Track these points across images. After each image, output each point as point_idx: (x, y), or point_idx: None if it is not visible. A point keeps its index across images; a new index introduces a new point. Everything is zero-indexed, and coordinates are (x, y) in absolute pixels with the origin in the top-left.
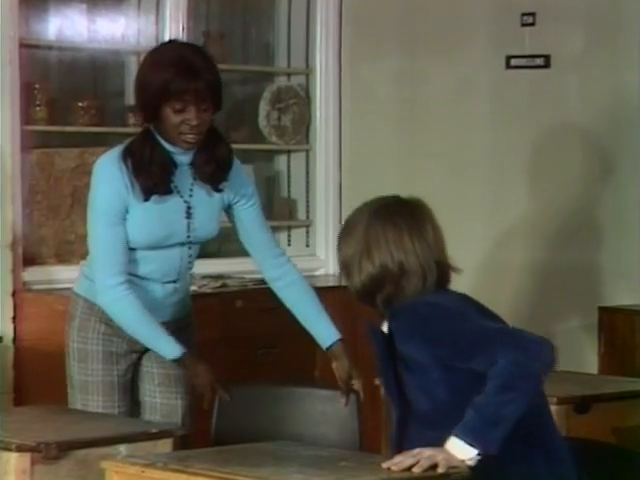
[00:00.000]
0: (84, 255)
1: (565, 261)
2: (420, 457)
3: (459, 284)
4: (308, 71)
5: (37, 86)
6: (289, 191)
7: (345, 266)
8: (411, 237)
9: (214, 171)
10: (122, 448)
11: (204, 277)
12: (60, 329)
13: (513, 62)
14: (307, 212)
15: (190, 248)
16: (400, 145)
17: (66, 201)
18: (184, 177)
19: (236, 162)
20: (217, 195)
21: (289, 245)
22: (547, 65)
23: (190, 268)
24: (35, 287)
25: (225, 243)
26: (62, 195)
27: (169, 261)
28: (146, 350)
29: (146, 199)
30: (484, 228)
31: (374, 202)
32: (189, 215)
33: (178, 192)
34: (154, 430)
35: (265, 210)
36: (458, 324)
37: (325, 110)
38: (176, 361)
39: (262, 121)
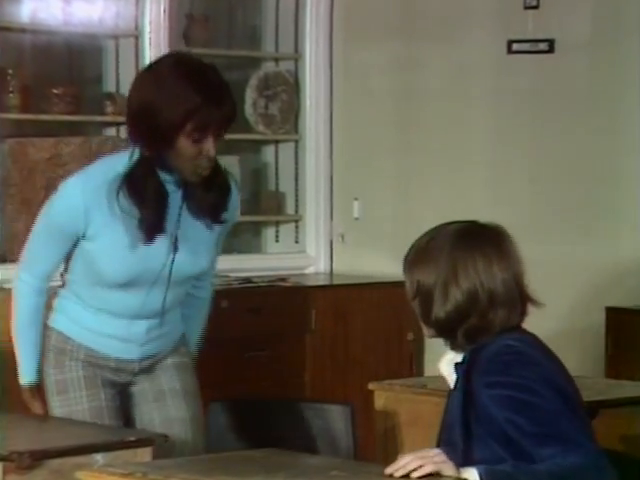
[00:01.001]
0: None
1: (570, 258)
2: (426, 462)
3: None
4: (297, 56)
5: (10, 72)
6: (277, 184)
7: (423, 294)
8: (499, 266)
9: (216, 201)
10: (99, 457)
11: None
12: None
13: (515, 47)
14: (296, 206)
15: (176, 286)
16: (395, 136)
17: (40, 194)
18: (172, 206)
19: (233, 183)
20: (210, 226)
21: (277, 241)
22: (551, 50)
23: (179, 302)
24: (8, 286)
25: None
26: (35, 188)
27: (150, 299)
28: (135, 374)
29: (151, 239)
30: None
31: (452, 227)
32: (175, 248)
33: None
34: (132, 438)
35: (252, 204)
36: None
37: (315, 98)
38: (23, 386)
39: (248, 109)
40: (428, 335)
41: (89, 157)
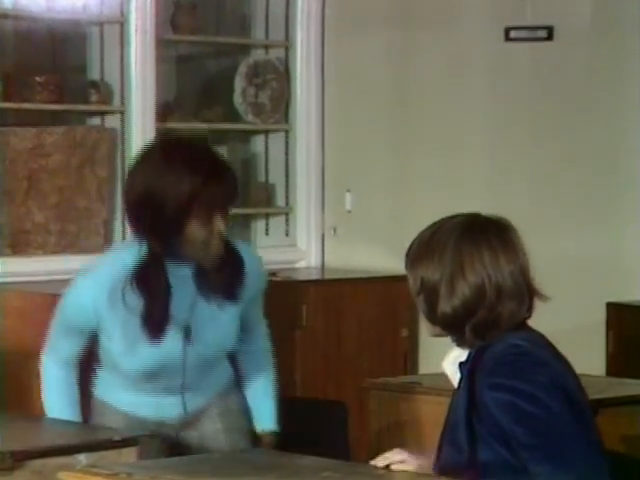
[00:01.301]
0: (42, 245)
1: (570, 252)
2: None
3: None
4: (288, 44)
5: None
6: (267, 175)
7: (427, 290)
8: (506, 258)
9: (230, 280)
10: (82, 457)
11: None
12: (17, 327)
13: (513, 34)
14: (286, 198)
15: (205, 366)
16: (389, 126)
17: (22, 185)
18: (183, 296)
19: (245, 249)
20: (229, 305)
21: (267, 234)
22: (550, 37)
23: (218, 365)
24: None
25: None
26: (18, 178)
27: (181, 381)
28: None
29: (157, 337)
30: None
31: (455, 220)
32: (187, 337)
33: (173, 319)
34: (117, 438)
35: (240, 196)
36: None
37: (306, 87)
38: None
39: (237, 98)
40: (432, 334)
41: (73, 147)
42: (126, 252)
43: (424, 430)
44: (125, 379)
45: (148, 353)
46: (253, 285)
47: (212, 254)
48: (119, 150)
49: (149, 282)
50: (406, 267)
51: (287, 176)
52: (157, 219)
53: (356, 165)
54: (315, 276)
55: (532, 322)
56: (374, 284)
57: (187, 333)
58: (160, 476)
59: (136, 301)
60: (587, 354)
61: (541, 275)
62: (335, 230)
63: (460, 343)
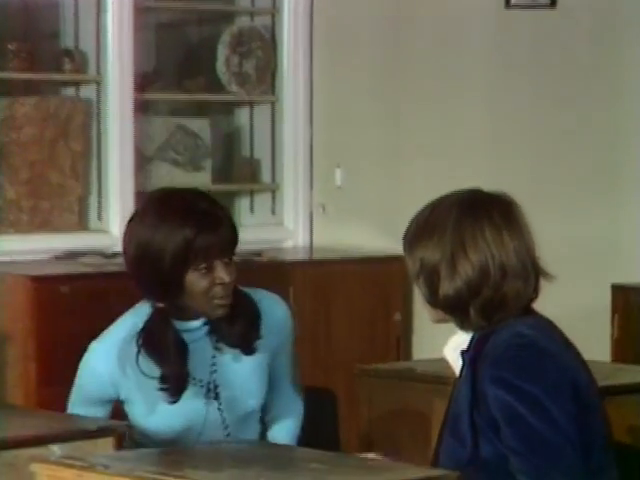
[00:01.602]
0: (13, 223)
1: (573, 232)
2: None
3: None
4: (274, 10)
5: None
6: (252, 149)
7: (427, 272)
8: (510, 236)
9: (244, 331)
10: (56, 448)
11: None
12: None
13: (514, 1)
14: (272, 174)
15: (233, 427)
16: (382, 97)
17: None
18: (200, 354)
19: (268, 298)
20: (255, 359)
21: (251, 212)
22: (553, 5)
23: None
24: None
25: None
26: None
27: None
28: None
29: (176, 398)
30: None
31: (455, 196)
32: (215, 397)
33: (192, 379)
34: (93, 427)
35: (224, 172)
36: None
37: (294, 56)
38: None
39: (220, 68)
40: (435, 320)
41: (46, 119)
42: (137, 314)
43: (418, 419)
44: (150, 444)
45: (170, 414)
46: (277, 336)
47: (218, 304)
48: (94, 123)
49: (156, 341)
50: (404, 250)
51: (273, 150)
52: (155, 274)
53: (346, 139)
54: (303, 256)
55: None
56: (365, 265)
57: (209, 391)
58: (138, 469)
59: (148, 363)
60: (591, 339)
61: (542, 255)
62: (324, 208)
63: (464, 326)
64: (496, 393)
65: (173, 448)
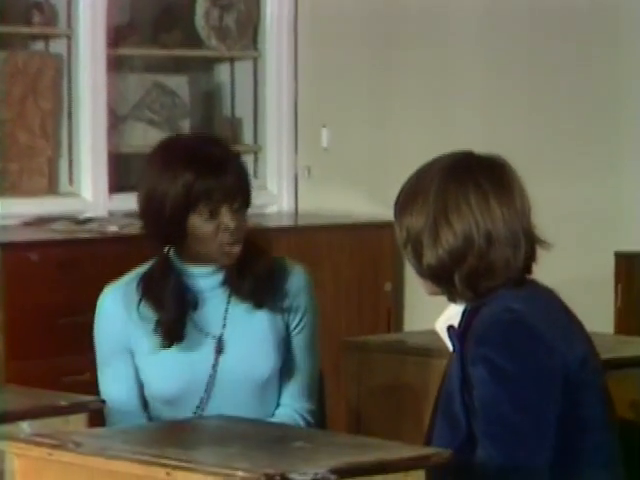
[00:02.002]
0: None
1: (573, 197)
2: None
3: None
4: None
5: None
6: (233, 108)
7: (413, 240)
8: (498, 201)
9: (254, 286)
10: (25, 425)
11: (127, 215)
12: None
13: None
14: (255, 135)
15: (235, 398)
16: (371, 52)
17: None
18: (213, 304)
19: (292, 268)
20: (269, 319)
21: None
22: None
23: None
24: None
25: None
26: None
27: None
28: None
29: (167, 346)
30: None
31: (443, 160)
32: (219, 349)
33: (200, 330)
34: (64, 403)
35: (203, 132)
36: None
37: (278, 8)
38: None
39: (199, 21)
40: (429, 292)
41: (14, 75)
42: (144, 268)
43: (409, 395)
44: (156, 399)
45: (176, 364)
46: (294, 299)
47: (224, 252)
48: (65, 79)
49: (154, 286)
50: (394, 217)
51: (255, 110)
52: (158, 218)
53: (334, 97)
54: (287, 222)
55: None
56: (354, 232)
57: (219, 344)
58: (111, 447)
59: (147, 312)
60: (593, 310)
61: (540, 223)
62: (310, 170)
63: (453, 297)
64: (478, 373)
65: (151, 424)
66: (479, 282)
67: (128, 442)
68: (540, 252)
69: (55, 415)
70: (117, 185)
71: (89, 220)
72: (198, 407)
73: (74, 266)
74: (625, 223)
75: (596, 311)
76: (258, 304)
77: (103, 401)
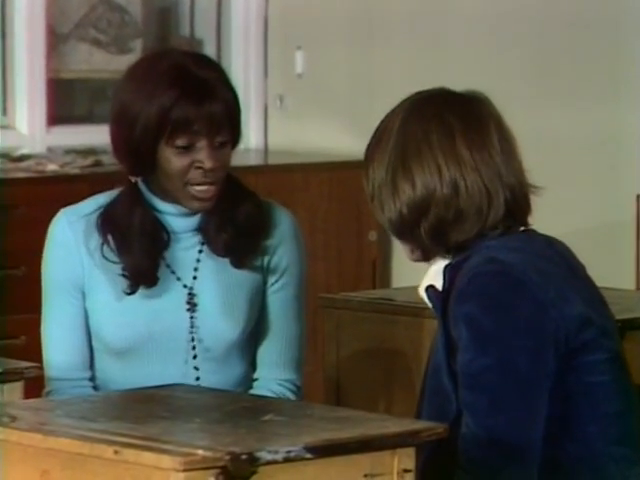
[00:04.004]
0: None
1: (587, 130)
2: None
3: None
4: None
5: None
6: (192, 27)
7: (375, 194)
8: (466, 141)
9: (232, 242)
10: None
11: (68, 152)
12: None
13: None
14: (218, 57)
15: (198, 359)
16: None
17: None
18: (184, 249)
19: (277, 214)
20: (244, 272)
21: None
22: None
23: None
24: None
25: (99, 102)
26: None
27: (158, 380)
28: None
29: (132, 292)
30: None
31: (414, 95)
32: (192, 307)
33: (173, 273)
34: None
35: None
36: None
37: None
38: None
39: None
40: (411, 257)
41: None
42: (113, 194)
43: (398, 361)
44: (107, 351)
45: (138, 314)
46: (275, 251)
47: (193, 195)
48: None
49: (118, 221)
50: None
51: (219, 29)
52: (127, 141)
53: (308, 15)
54: (255, 161)
55: (546, 219)
56: (333, 171)
57: (191, 298)
58: (52, 422)
59: (110, 251)
60: (612, 261)
61: (549, 161)
62: (282, 100)
63: (425, 256)
64: (459, 334)
65: (99, 395)
66: (448, 236)
67: (71, 416)
68: (548, 197)
69: None
70: (57, 117)
71: (25, 157)
72: (165, 366)
73: (9, 208)
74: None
75: (615, 263)
76: (235, 264)
77: (40, 367)
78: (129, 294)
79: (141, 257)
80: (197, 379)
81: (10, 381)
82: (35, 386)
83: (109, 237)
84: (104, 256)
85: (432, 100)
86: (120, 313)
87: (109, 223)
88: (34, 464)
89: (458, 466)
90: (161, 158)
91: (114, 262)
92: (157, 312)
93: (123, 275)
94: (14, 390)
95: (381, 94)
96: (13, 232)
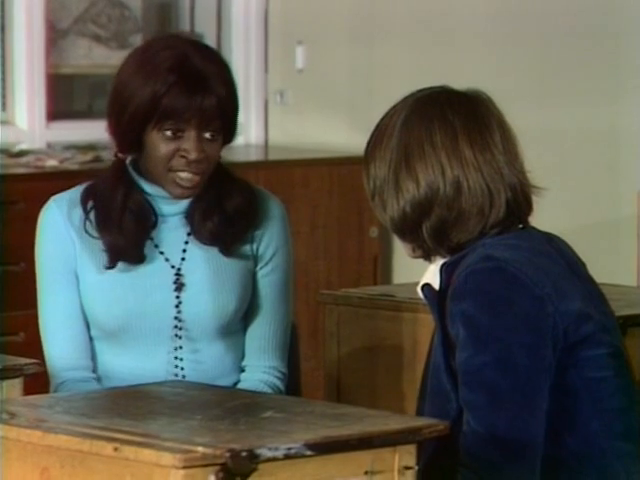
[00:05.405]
0: None
1: (589, 126)
2: None
3: None
4: None
5: None
6: (192, 23)
7: (376, 192)
8: (469, 140)
9: (218, 230)
10: None
11: (68, 147)
12: None
13: None
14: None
15: (183, 340)
16: None
17: None
18: (173, 232)
19: (265, 200)
20: (233, 258)
21: None
22: None
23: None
24: None
25: (99, 98)
26: None
27: (149, 361)
28: None
29: (111, 266)
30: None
31: (415, 93)
32: (179, 287)
33: (161, 253)
34: None
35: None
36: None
37: None
38: None
39: None
40: (412, 255)
41: None
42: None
43: (399, 357)
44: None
45: (127, 293)
46: (263, 236)
47: (176, 182)
48: None
49: (100, 196)
50: (363, 164)
51: (219, 24)
52: (119, 123)
53: (309, 10)
54: (256, 156)
55: (539, 219)
56: (333, 166)
57: (178, 278)
58: (50, 418)
59: (93, 227)
60: (614, 257)
61: (550, 157)
62: (282, 95)
63: (426, 255)
64: (457, 332)
65: (98, 391)
66: (450, 236)
67: (70, 413)
68: (550, 195)
69: None
70: (56, 112)
71: (24, 152)
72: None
73: (8, 204)
74: None
75: (617, 259)
76: (223, 252)
77: (39, 364)
78: (108, 268)
79: (119, 232)
80: (180, 360)
81: (9, 378)
82: (35, 383)
83: (91, 211)
84: (87, 231)
85: (434, 99)
86: (110, 290)
87: (92, 197)
88: (33, 461)
89: (460, 464)
90: (148, 141)
91: (96, 237)
92: (146, 290)
93: (104, 250)
94: (13, 387)
95: (382, 89)
96: (12, 228)
